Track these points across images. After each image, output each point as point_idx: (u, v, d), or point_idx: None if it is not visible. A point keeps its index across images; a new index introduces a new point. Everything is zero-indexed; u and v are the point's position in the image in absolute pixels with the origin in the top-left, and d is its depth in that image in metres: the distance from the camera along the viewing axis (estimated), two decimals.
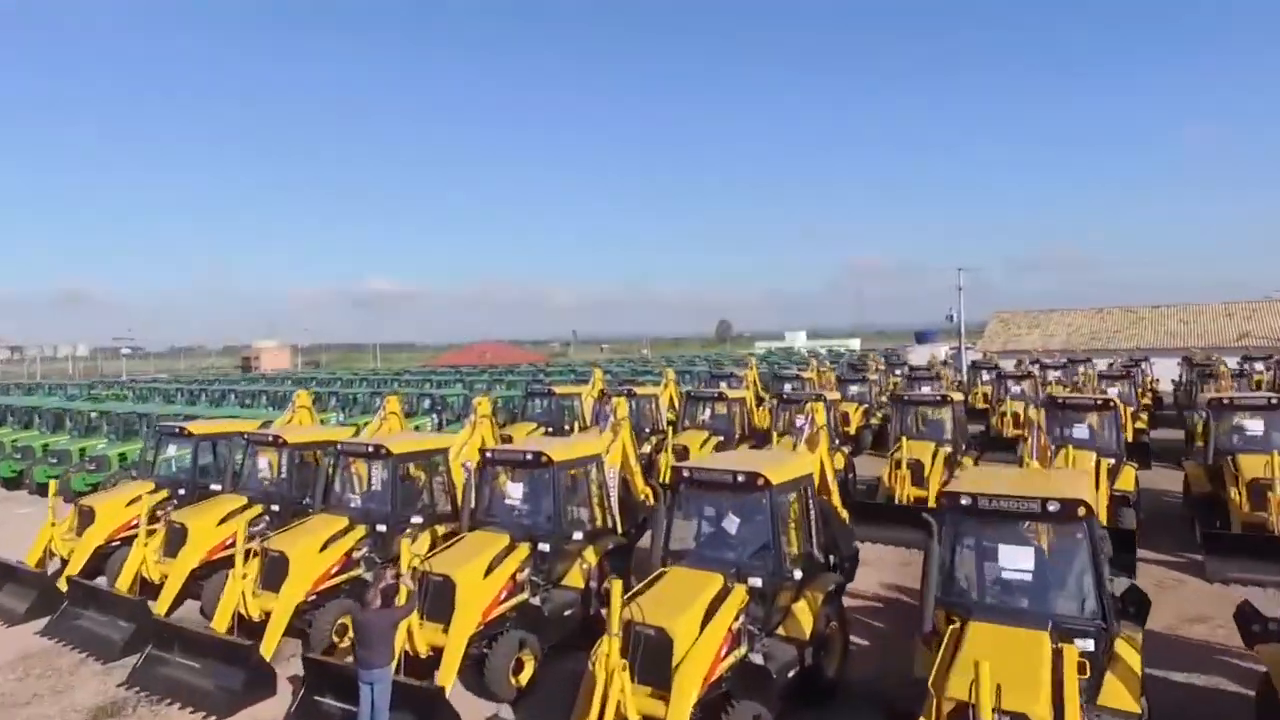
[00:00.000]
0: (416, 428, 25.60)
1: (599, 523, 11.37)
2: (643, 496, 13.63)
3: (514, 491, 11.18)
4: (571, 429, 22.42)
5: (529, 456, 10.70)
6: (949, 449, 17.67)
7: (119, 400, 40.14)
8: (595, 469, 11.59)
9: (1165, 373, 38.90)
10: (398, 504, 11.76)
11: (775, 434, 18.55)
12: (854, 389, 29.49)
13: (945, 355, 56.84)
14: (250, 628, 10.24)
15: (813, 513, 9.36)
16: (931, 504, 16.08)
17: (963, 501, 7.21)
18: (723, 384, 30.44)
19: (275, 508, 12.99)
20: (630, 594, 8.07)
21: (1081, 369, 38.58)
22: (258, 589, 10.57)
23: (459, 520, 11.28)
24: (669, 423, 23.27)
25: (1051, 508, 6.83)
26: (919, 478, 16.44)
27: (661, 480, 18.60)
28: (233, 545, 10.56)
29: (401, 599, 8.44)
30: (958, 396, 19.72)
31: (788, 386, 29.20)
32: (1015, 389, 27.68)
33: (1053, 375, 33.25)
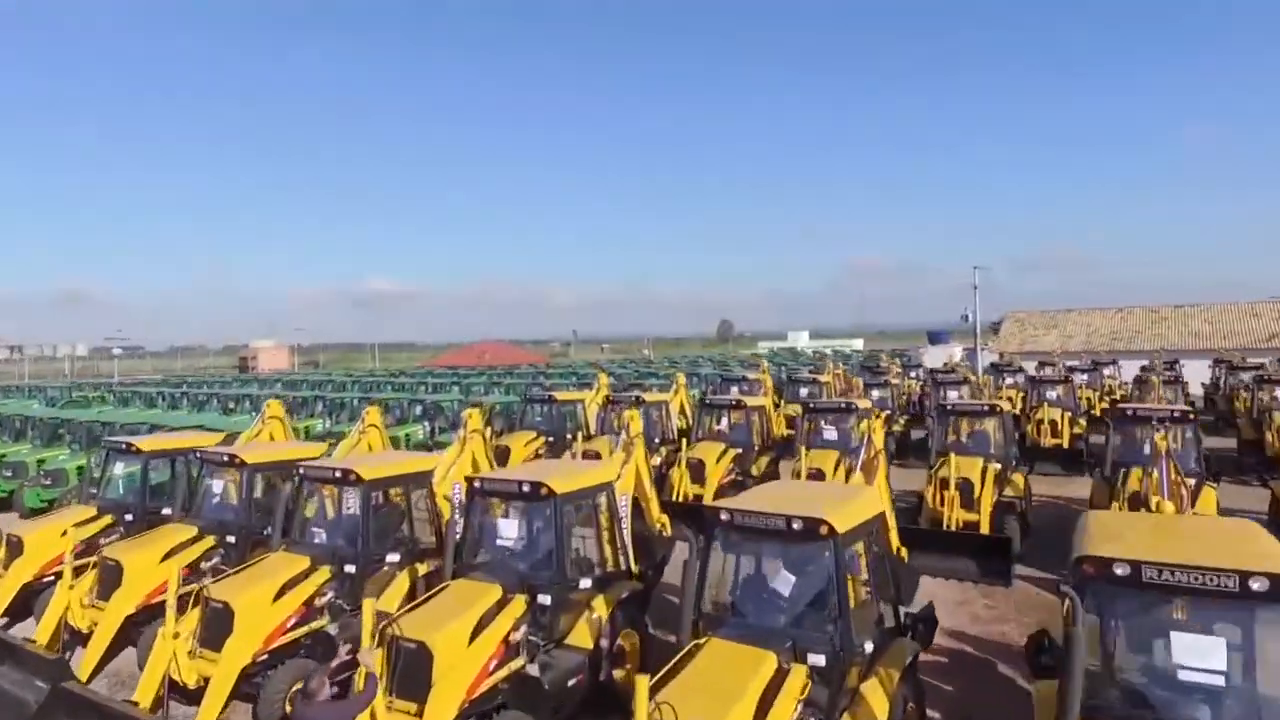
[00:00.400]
0: (407, 436, 23.73)
1: (610, 565, 9.46)
2: (659, 526, 11.66)
3: (508, 530, 9.23)
4: (574, 438, 20.50)
5: (526, 487, 8.75)
6: (998, 465, 15.73)
7: (102, 403, 38.26)
8: (606, 499, 9.66)
9: (1192, 375, 37.09)
10: (370, 540, 9.84)
11: (803, 448, 16.65)
12: (875, 394, 27.61)
13: (960, 356, 54.82)
14: (188, 693, 8.39)
15: (884, 564, 7.47)
16: (984, 529, 14.22)
17: (1117, 571, 5.24)
18: (734, 388, 28.65)
19: (231, 539, 11.16)
20: (657, 678, 6.18)
21: (1107, 371, 36.80)
22: (195, 648, 8.69)
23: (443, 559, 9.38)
24: (680, 432, 21.36)
25: (1257, 585, 4.84)
26: (968, 499, 14.53)
27: (674, 497, 16.73)
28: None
29: (359, 684, 6.54)
30: (1006, 405, 17.79)
31: (803, 391, 27.39)
32: (1050, 394, 25.77)
33: (1080, 379, 31.34)
